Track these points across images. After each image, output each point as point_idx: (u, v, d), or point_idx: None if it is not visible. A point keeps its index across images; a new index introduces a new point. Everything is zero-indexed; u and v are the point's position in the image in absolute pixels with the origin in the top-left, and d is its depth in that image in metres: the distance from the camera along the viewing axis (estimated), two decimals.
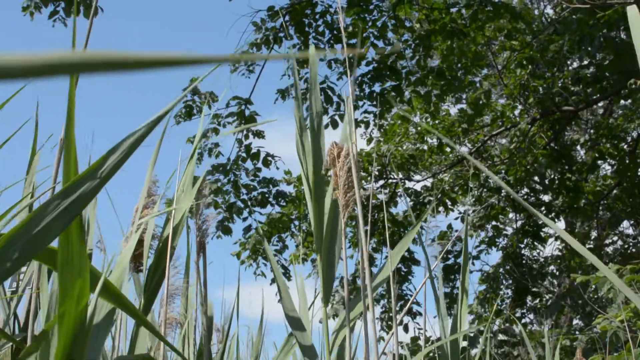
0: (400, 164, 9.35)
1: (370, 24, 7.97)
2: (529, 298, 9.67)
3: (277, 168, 8.54)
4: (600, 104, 9.80)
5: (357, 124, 8.32)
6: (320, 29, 8.08)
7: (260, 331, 2.33)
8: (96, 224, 1.70)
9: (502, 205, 9.79)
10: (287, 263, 9.02)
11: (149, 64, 0.35)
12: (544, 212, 9.15)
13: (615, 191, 9.22)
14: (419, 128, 9.57)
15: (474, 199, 9.86)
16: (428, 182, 9.80)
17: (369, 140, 9.42)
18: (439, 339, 2.22)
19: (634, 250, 10.12)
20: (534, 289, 9.33)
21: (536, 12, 9.42)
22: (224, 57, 0.36)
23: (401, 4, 7.87)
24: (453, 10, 7.94)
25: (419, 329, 8.93)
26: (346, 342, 1.43)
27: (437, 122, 9.28)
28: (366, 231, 1.40)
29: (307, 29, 8.03)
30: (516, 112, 9.32)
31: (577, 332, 7.82)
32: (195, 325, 1.89)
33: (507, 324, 8.76)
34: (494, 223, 9.97)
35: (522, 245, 9.78)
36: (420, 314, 9.06)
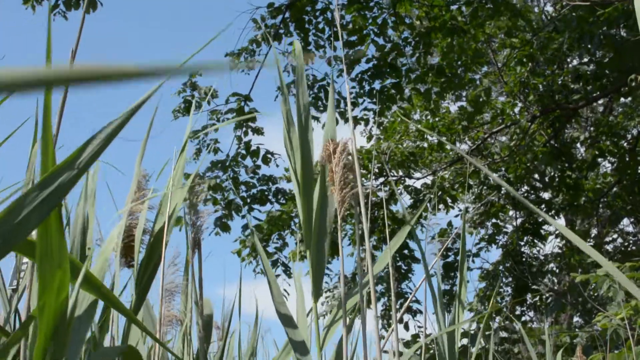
0: (401, 162, 9.34)
1: (370, 21, 7.96)
2: (529, 295, 9.67)
3: (277, 165, 8.54)
4: (600, 102, 9.79)
5: (357, 121, 8.32)
6: (321, 25, 8.07)
7: (256, 328, 2.32)
8: (96, 220, 1.69)
9: (502, 202, 9.79)
10: (288, 260, 9.01)
11: (126, 76, 0.34)
12: (544, 209, 9.14)
13: (615, 189, 9.21)
14: (419, 125, 9.56)
15: (474, 197, 9.85)
16: (428, 180, 9.79)
17: (369, 138, 9.41)
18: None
19: (634, 247, 10.12)
20: (534, 287, 9.33)
21: (536, 9, 9.40)
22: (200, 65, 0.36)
23: (401, 1, 7.86)
24: (453, 7, 7.93)
25: (420, 327, 8.92)
26: (343, 339, 1.42)
27: (437, 119, 9.27)
28: (362, 225, 1.39)
29: (307, 25, 8.02)
30: (516, 109, 9.31)
31: (577, 330, 7.82)
32: (190, 324, 1.89)
33: (507, 322, 8.75)
34: (494, 220, 9.96)
35: (522, 243, 9.77)
36: (421, 312, 9.05)
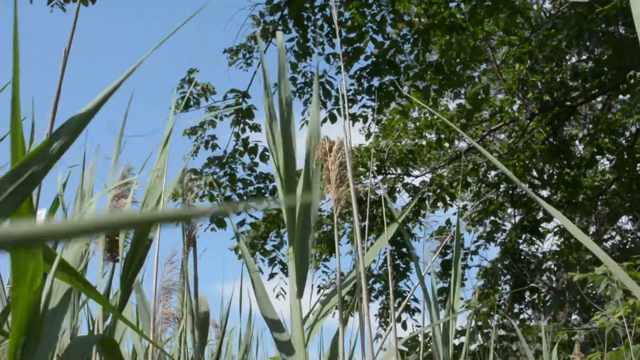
0: (399, 160, 9.32)
1: (369, 18, 7.94)
2: (527, 293, 9.67)
3: None
4: (598, 99, 9.78)
5: (355, 118, 8.30)
6: (319, 22, 8.05)
7: (250, 325, 2.31)
8: None
9: (501, 200, 9.78)
10: (287, 259, 9.00)
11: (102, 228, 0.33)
12: (542, 207, 9.12)
13: (613, 186, 9.21)
14: (417, 123, 9.55)
15: (472, 194, 9.85)
16: (427, 178, 9.78)
17: (368, 136, 9.39)
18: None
19: (632, 245, 10.12)
20: (533, 285, 9.33)
21: (535, 7, 9.39)
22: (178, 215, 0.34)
23: None
24: (452, 4, 7.92)
25: (417, 326, 8.91)
26: (339, 337, 1.41)
27: (435, 117, 9.25)
28: (352, 219, 1.37)
29: (306, 22, 8.00)
30: (515, 107, 9.29)
31: (575, 327, 7.82)
32: (185, 324, 1.88)
33: (505, 319, 8.75)
34: (492, 218, 9.96)
35: (521, 241, 9.77)
36: (419, 311, 9.04)
